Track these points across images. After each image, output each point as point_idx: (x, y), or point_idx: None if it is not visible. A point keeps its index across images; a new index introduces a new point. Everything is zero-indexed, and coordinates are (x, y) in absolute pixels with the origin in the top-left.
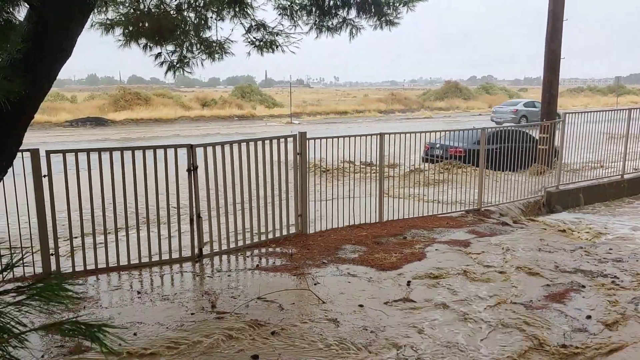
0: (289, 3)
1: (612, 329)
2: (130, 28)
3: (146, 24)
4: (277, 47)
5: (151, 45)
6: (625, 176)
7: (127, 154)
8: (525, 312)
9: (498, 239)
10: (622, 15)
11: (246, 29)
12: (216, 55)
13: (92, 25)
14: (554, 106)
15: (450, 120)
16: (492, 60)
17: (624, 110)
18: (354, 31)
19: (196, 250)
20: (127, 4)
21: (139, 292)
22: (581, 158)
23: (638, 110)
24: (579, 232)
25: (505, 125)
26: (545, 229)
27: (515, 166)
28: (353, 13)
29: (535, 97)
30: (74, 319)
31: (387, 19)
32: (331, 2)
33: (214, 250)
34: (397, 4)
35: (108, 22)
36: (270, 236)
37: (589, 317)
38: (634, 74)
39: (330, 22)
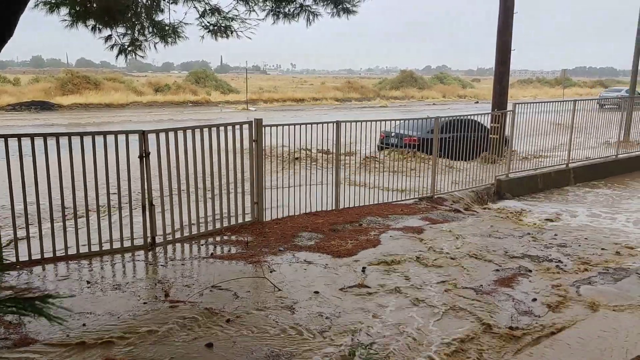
0: None
1: (555, 311)
2: (77, 8)
3: (94, 5)
4: (232, 32)
5: (100, 27)
6: (570, 165)
7: (76, 140)
8: (476, 296)
9: (450, 226)
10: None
11: (200, 13)
12: (169, 39)
13: (35, 5)
14: (504, 97)
15: (405, 109)
16: (447, 50)
17: (569, 102)
18: (311, 17)
19: (149, 239)
20: None
21: (88, 282)
22: (530, 147)
23: (582, 101)
24: (526, 219)
25: (458, 115)
26: (495, 216)
27: (468, 155)
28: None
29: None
30: (13, 296)
31: (345, 6)
32: None
33: (168, 239)
34: None
35: (52, 1)
36: (226, 224)
37: (534, 300)
38: (580, 67)
39: (287, 9)
